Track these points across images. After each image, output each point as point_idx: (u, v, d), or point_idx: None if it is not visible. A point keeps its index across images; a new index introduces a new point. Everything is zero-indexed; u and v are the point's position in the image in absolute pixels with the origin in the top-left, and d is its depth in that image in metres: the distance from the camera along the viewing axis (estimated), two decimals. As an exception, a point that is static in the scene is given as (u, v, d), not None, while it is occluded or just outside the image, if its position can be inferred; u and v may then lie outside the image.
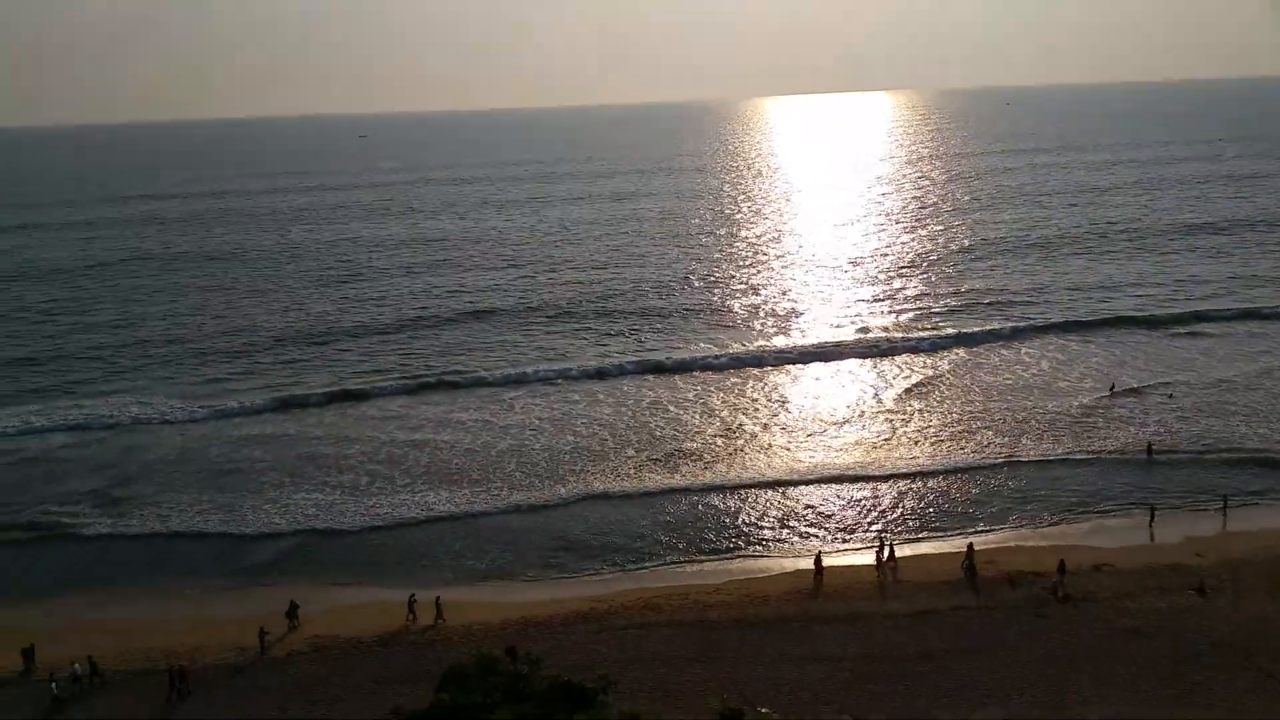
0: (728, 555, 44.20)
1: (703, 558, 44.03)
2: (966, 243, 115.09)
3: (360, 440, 57.91)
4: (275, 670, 34.99)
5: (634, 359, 71.56)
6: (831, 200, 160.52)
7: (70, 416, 63.14)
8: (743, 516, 47.55)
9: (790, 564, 42.97)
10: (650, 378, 68.26)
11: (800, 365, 70.68)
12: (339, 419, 62.24)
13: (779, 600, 38.74)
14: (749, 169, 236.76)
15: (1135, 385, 63.78)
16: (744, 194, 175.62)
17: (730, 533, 46.08)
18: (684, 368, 69.29)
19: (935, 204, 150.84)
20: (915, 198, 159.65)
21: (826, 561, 41.57)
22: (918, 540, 44.65)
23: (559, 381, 67.59)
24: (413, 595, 38.33)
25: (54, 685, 33.18)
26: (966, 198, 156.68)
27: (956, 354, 72.27)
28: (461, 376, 69.10)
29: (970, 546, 40.94)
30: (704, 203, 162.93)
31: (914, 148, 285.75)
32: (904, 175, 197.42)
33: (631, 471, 52.51)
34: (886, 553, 41.59)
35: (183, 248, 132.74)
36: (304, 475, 53.16)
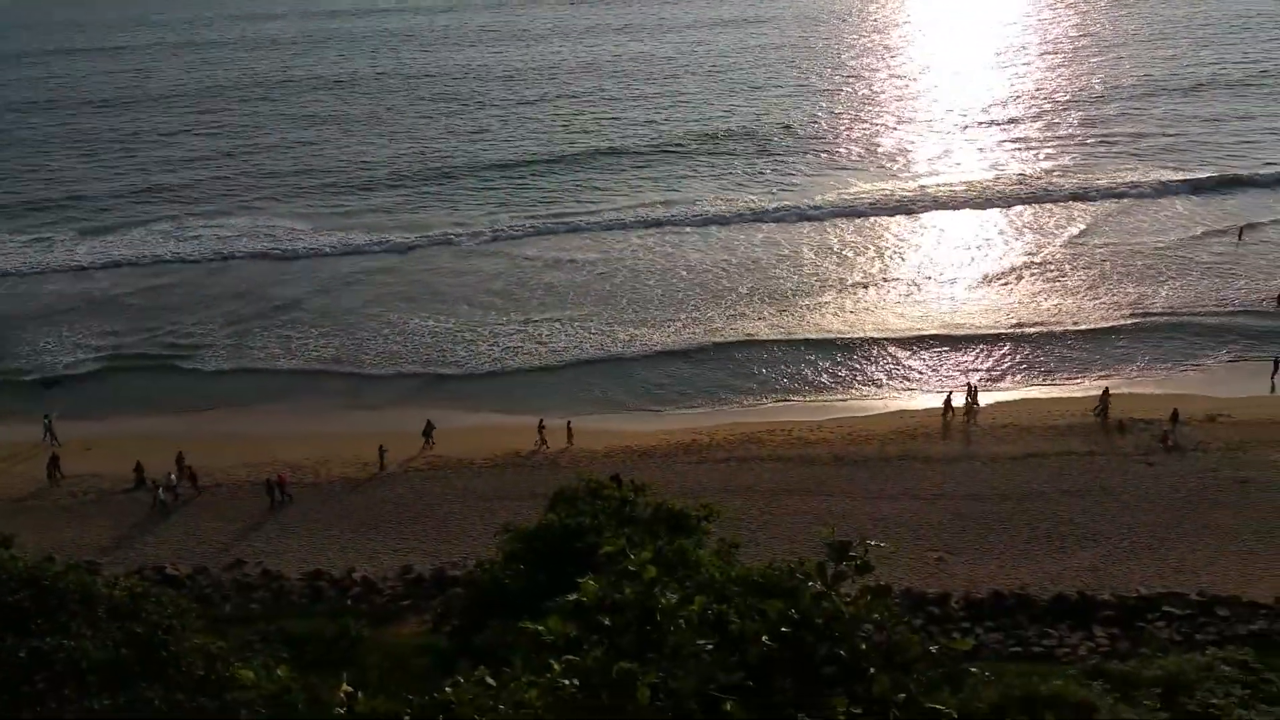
0: (832, 394, 44.45)
1: (806, 396, 44.40)
2: (1129, 81, 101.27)
3: (482, 276, 58.20)
4: (389, 484, 37.40)
5: (755, 204, 68.46)
6: (980, 28, 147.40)
7: (198, 247, 65.09)
8: (851, 360, 47.21)
9: (896, 405, 42.98)
10: (767, 225, 65.04)
11: (928, 213, 66.44)
12: (456, 257, 62.14)
13: (882, 439, 38.98)
14: None
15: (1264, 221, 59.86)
16: (877, 21, 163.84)
17: (836, 374, 46.05)
18: (811, 215, 65.87)
19: (1098, 34, 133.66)
20: (1076, 26, 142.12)
21: (929, 404, 41.40)
22: (1027, 386, 43.93)
23: (679, 224, 65.47)
24: (541, 420, 39.78)
25: (159, 492, 36.13)
26: (1134, 27, 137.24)
27: (1101, 206, 65.81)
28: (580, 218, 67.56)
29: (1106, 391, 39.87)
30: (833, 30, 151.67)
31: None
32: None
33: (745, 313, 51.96)
34: (967, 398, 40.76)
35: (297, 71, 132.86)
36: (430, 309, 54.14)
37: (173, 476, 36.95)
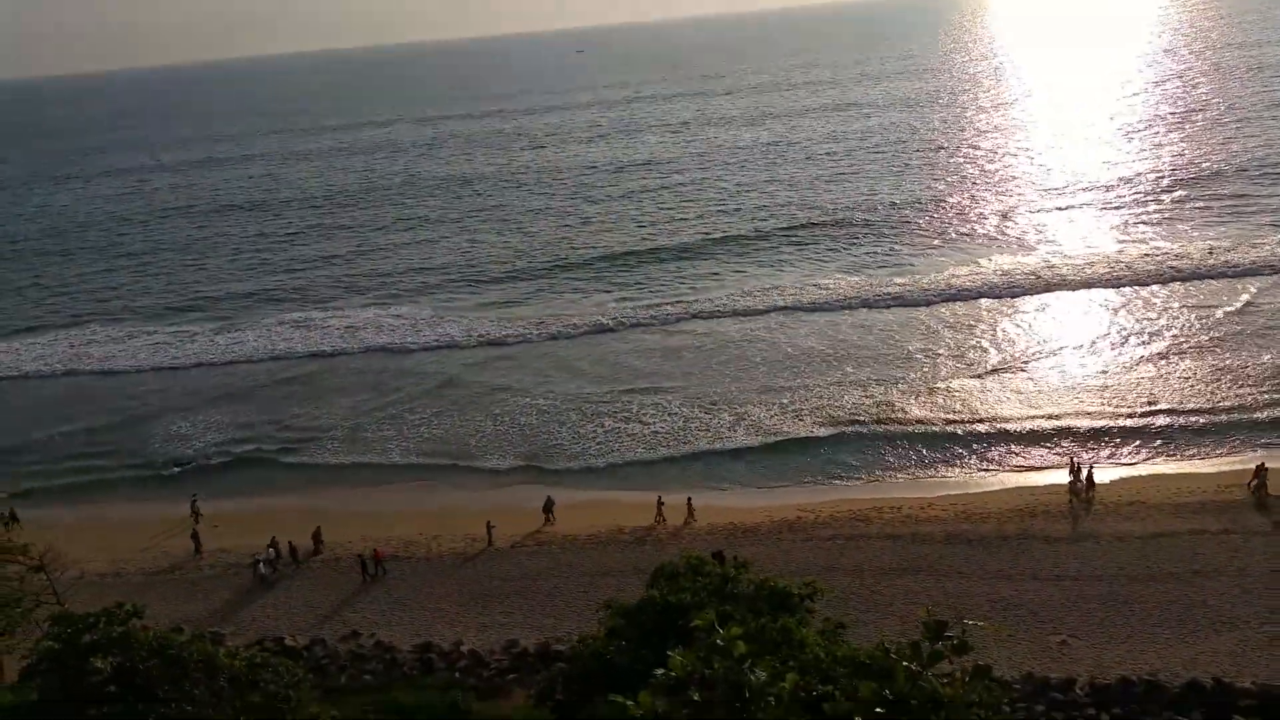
0: (944, 471, 43.29)
1: (917, 471, 43.38)
2: (1261, 151, 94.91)
3: (613, 368, 58.21)
4: (497, 559, 37.90)
5: (865, 288, 67.15)
6: (1084, 102, 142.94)
7: (325, 340, 67.72)
8: (964, 439, 45.80)
9: (1012, 480, 41.56)
10: (878, 310, 63.40)
11: (1049, 294, 63.28)
12: (592, 349, 61.84)
13: (999, 517, 37.64)
14: (984, 68, 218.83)
15: None
16: (980, 98, 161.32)
17: (949, 452, 44.76)
18: (923, 299, 63.97)
19: (1213, 103, 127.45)
20: (1187, 96, 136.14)
21: (1049, 480, 39.89)
22: (1154, 462, 41.95)
23: (789, 310, 64.70)
24: (660, 497, 40.00)
25: (260, 565, 37.66)
26: (1255, 96, 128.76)
27: (1241, 284, 61.18)
28: (691, 305, 67.30)
29: (1261, 466, 37.47)
30: (935, 111, 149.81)
31: (1188, 34, 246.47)
32: (1172, 69, 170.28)
33: (854, 395, 51.00)
34: (1084, 475, 38.91)
35: (420, 169, 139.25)
36: (544, 395, 54.70)
37: (272, 551, 38.52)
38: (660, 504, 39.77)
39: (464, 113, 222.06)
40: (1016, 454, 43.82)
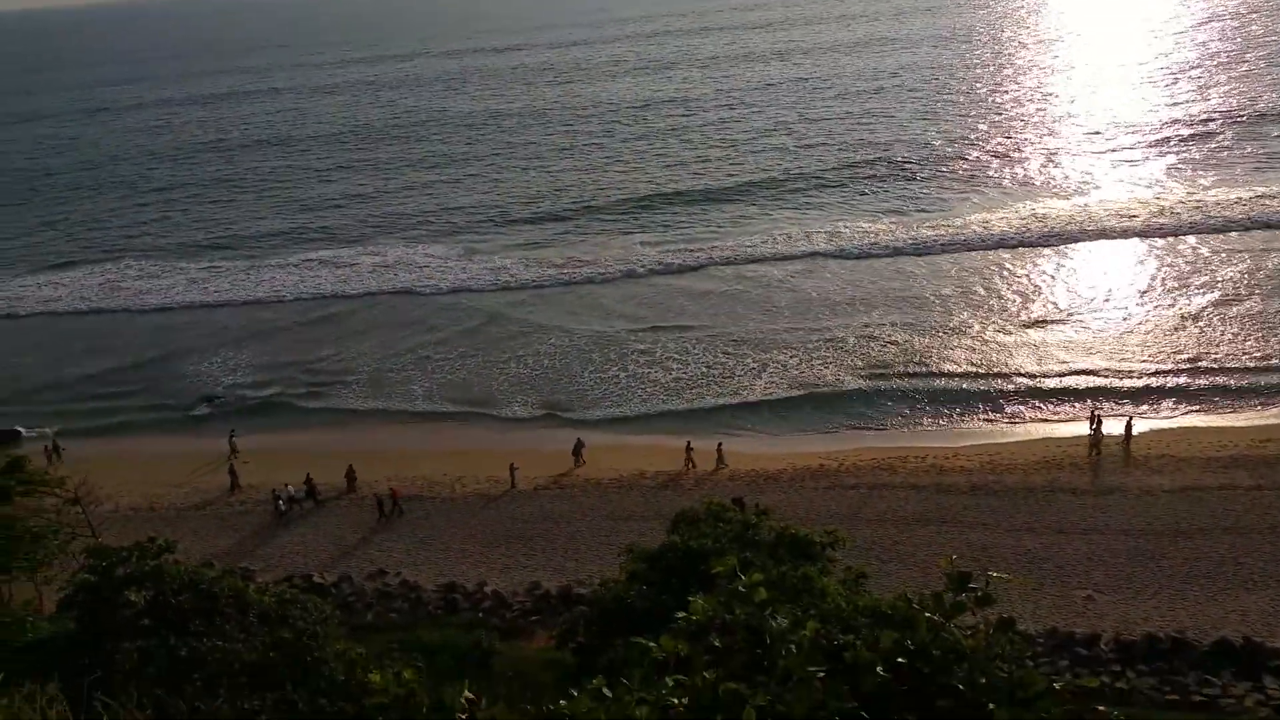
0: (971, 419, 42.97)
1: (942, 421, 43.08)
2: None
3: (638, 310, 57.79)
4: (520, 502, 38.18)
5: (895, 235, 65.43)
6: (1128, 39, 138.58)
7: (352, 282, 67.48)
8: (992, 388, 45.22)
9: (1040, 431, 41.18)
10: (909, 256, 62.02)
11: (1087, 243, 61.57)
12: (619, 291, 61.36)
13: (1025, 468, 37.39)
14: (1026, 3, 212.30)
15: None
16: (1021, 35, 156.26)
17: (975, 401, 44.33)
18: (966, 245, 62.48)
19: (1269, 40, 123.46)
20: (1241, 33, 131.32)
21: (1081, 432, 39.47)
22: (1187, 413, 41.39)
23: (822, 256, 63.67)
24: (689, 442, 39.95)
25: (279, 502, 38.36)
26: None
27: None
28: (719, 250, 66.10)
29: None
30: (973, 49, 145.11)
31: None
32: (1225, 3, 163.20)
33: (882, 342, 50.41)
34: (1097, 426, 38.33)
35: (445, 105, 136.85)
36: (579, 339, 54.37)
37: (291, 489, 39.17)
38: (689, 449, 39.70)
39: (489, 46, 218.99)
40: (1045, 405, 43.38)
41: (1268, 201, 64.51)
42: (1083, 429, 39.64)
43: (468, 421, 46.85)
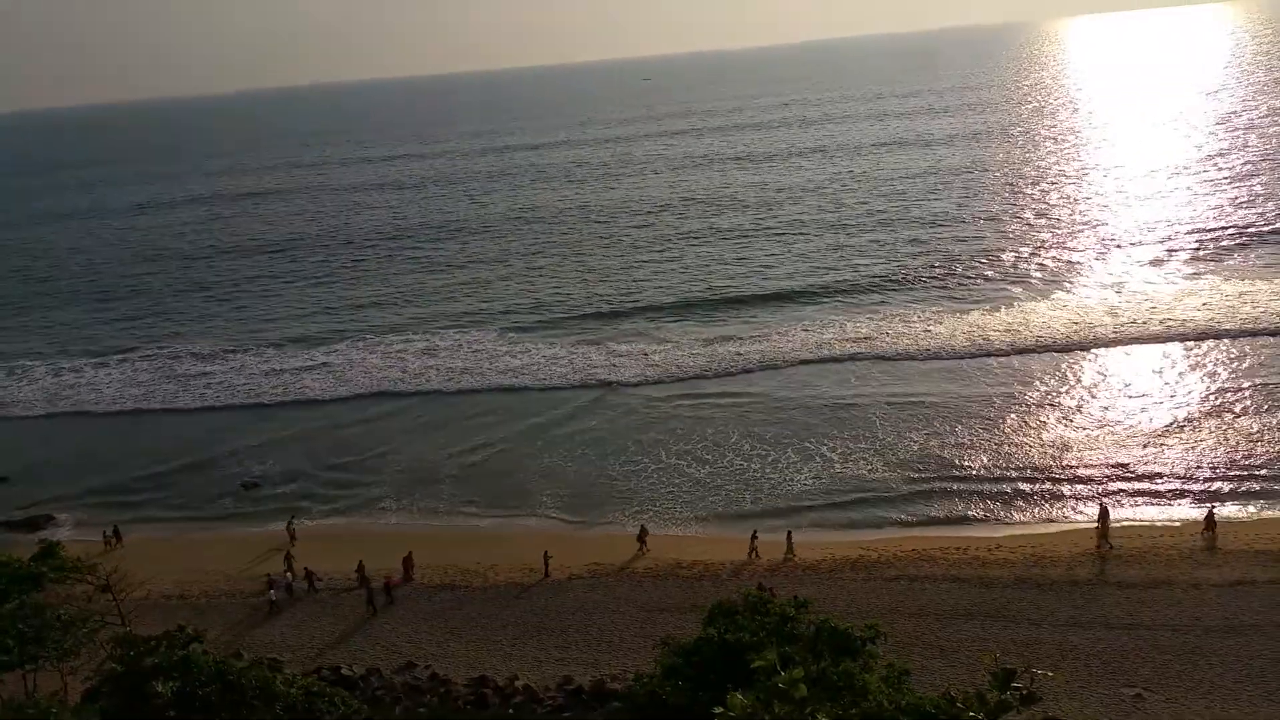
0: (1012, 510, 42.04)
1: (984, 511, 42.16)
2: None
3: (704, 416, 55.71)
4: (554, 591, 37.60)
5: (931, 338, 63.79)
6: (1157, 140, 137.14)
7: (412, 372, 67.85)
8: (1037, 481, 44.23)
9: (1085, 523, 40.10)
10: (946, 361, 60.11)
11: (1126, 346, 59.83)
12: (670, 393, 59.82)
13: (1069, 561, 36.36)
14: (1064, 102, 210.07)
15: None
16: (1058, 135, 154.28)
17: (1018, 492, 43.46)
18: (1005, 350, 60.50)
19: None
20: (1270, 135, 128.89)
21: (1129, 522, 38.43)
22: (1242, 503, 40.26)
23: (862, 358, 62.17)
24: (755, 532, 39.37)
25: (271, 593, 38.16)
26: None
27: None
28: (760, 354, 64.36)
29: None
30: (1011, 148, 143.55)
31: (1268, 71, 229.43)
32: (1259, 108, 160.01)
33: (928, 435, 50.08)
34: (1103, 518, 37.53)
35: (496, 207, 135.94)
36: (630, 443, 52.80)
37: (289, 576, 39.23)
38: (754, 539, 39.10)
39: (532, 142, 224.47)
40: (1089, 497, 42.26)
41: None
42: (1130, 519, 38.54)
43: (512, 510, 46.45)
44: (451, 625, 35.91)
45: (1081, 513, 40.97)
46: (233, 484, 52.05)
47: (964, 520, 41.63)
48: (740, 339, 68.30)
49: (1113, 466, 44.60)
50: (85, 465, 56.86)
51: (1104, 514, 37.94)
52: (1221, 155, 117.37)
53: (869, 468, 46.87)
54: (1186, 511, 39.96)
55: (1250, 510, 39.92)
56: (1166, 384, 53.77)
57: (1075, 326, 64.08)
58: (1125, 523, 39.08)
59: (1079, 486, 43.25)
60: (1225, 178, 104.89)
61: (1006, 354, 60.42)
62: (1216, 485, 42.17)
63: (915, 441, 48.92)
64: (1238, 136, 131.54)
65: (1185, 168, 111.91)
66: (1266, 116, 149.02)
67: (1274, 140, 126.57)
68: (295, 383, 68.26)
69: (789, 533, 39.49)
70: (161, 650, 23.58)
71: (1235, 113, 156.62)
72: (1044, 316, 66.49)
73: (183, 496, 51.62)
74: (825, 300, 76.30)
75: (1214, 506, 38.65)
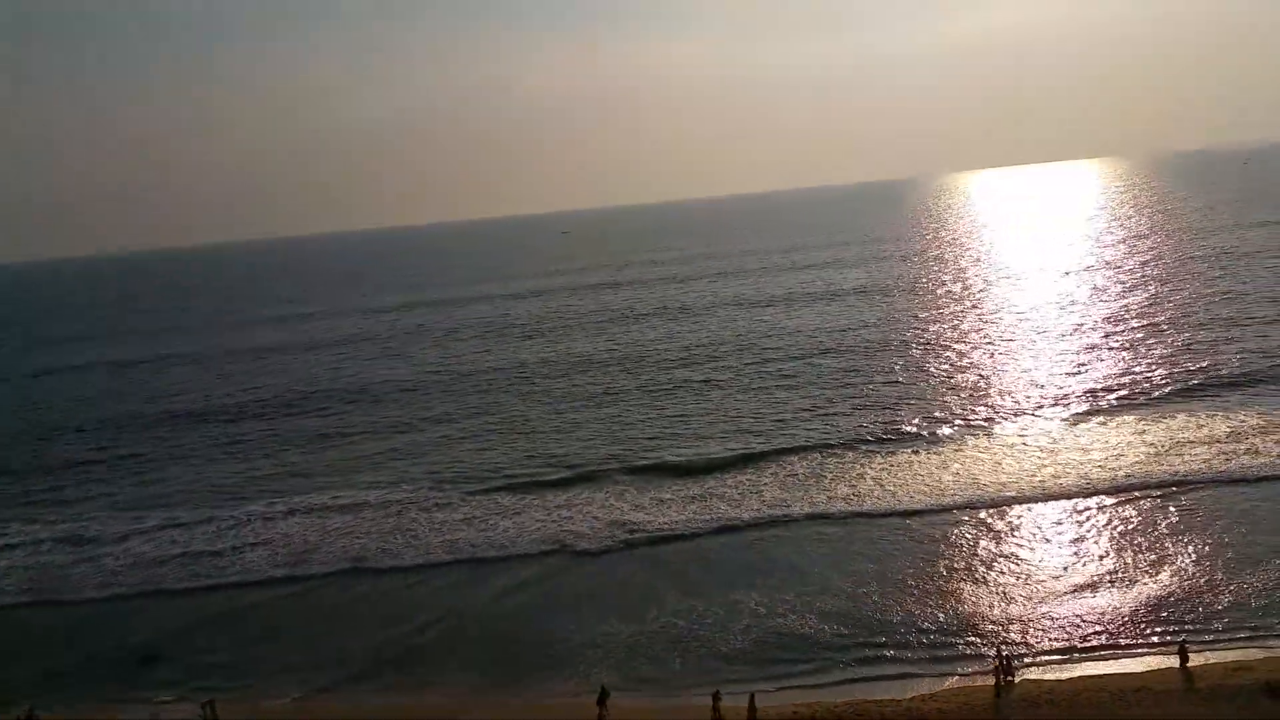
0: (948, 661, 41.76)
1: (886, 668, 41.79)
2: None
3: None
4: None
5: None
6: (1060, 286, 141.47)
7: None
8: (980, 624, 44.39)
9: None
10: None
11: (1047, 503, 58.70)
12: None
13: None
14: (958, 249, 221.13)
15: None
16: (957, 280, 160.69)
17: (953, 637, 43.56)
18: (921, 510, 59.22)
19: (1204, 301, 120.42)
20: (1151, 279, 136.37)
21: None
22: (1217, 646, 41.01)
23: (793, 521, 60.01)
24: (717, 692, 38.23)
25: None
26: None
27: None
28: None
29: None
30: (917, 297, 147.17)
31: (1138, 220, 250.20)
32: (1133, 256, 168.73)
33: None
34: (1003, 668, 38.46)
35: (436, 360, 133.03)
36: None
37: None
38: (716, 699, 37.78)
39: (483, 294, 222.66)
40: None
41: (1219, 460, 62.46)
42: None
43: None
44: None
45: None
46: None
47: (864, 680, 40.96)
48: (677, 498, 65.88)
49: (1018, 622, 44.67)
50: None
51: (1005, 661, 38.35)
52: (1111, 292, 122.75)
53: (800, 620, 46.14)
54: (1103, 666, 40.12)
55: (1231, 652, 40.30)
56: (1071, 540, 53.36)
57: (970, 482, 63.16)
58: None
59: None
60: (1115, 318, 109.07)
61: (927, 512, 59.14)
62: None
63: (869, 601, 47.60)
64: (1131, 277, 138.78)
65: (1080, 306, 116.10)
66: (1155, 261, 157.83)
67: (1169, 284, 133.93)
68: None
69: (751, 695, 37.91)
70: None
71: (1126, 256, 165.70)
72: (938, 472, 65.69)
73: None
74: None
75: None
